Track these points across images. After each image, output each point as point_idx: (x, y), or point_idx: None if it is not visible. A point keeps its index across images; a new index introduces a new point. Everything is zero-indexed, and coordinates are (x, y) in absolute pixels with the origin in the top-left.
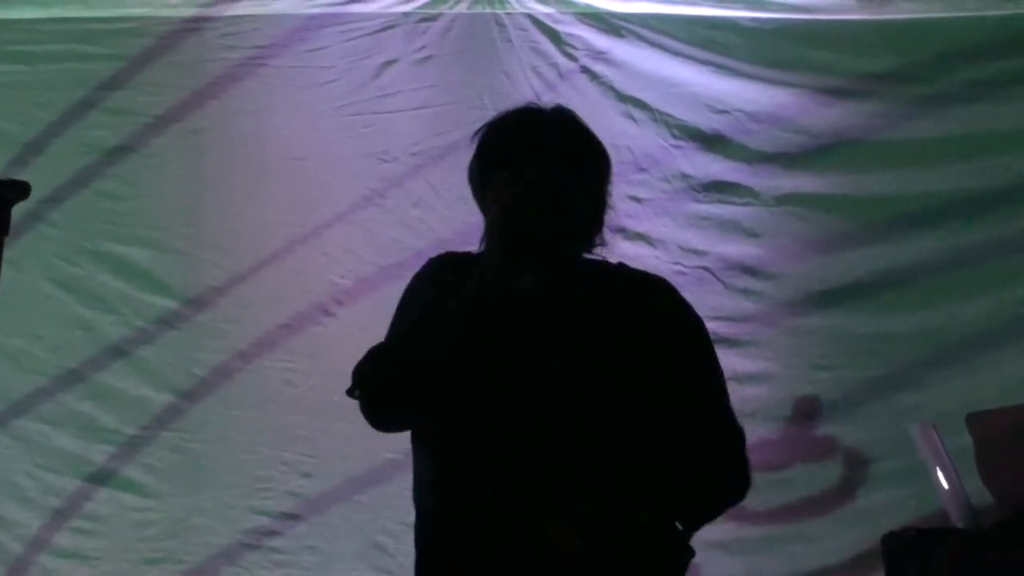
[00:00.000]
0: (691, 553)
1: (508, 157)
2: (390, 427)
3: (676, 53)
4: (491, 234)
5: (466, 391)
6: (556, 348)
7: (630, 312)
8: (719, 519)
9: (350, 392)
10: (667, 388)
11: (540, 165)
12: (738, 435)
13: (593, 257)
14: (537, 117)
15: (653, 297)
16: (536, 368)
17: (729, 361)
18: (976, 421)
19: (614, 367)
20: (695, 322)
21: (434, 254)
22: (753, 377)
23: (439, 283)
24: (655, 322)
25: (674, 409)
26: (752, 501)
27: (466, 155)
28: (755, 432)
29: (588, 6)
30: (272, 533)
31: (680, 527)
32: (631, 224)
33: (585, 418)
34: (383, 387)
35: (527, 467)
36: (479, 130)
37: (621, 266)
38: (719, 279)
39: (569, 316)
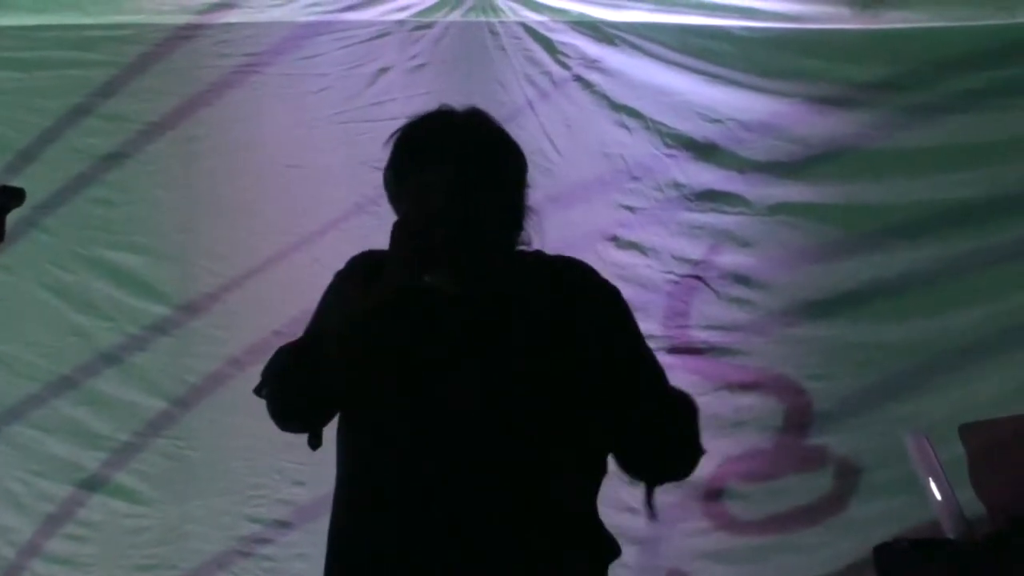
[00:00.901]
0: (616, 550)
1: (415, 163)
2: (291, 427)
3: (669, 62)
4: (393, 239)
5: (366, 392)
6: (459, 348)
7: (549, 301)
8: (705, 526)
9: (256, 391)
10: (602, 371)
11: (443, 171)
12: (682, 403)
13: (521, 252)
14: (446, 122)
15: (571, 280)
16: (443, 368)
17: (721, 370)
18: (969, 431)
19: (530, 363)
20: (615, 297)
21: None
22: (745, 386)
23: (351, 282)
24: (577, 306)
25: (614, 392)
26: (743, 510)
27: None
28: (746, 441)
29: (581, 15)
30: (264, 540)
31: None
32: (623, 233)
33: (495, 420)
34: (285, 386)
35: (442, 468)
36: (391, 135)
37: (539, 254)
38: (711, 288)
39: (485, 315)
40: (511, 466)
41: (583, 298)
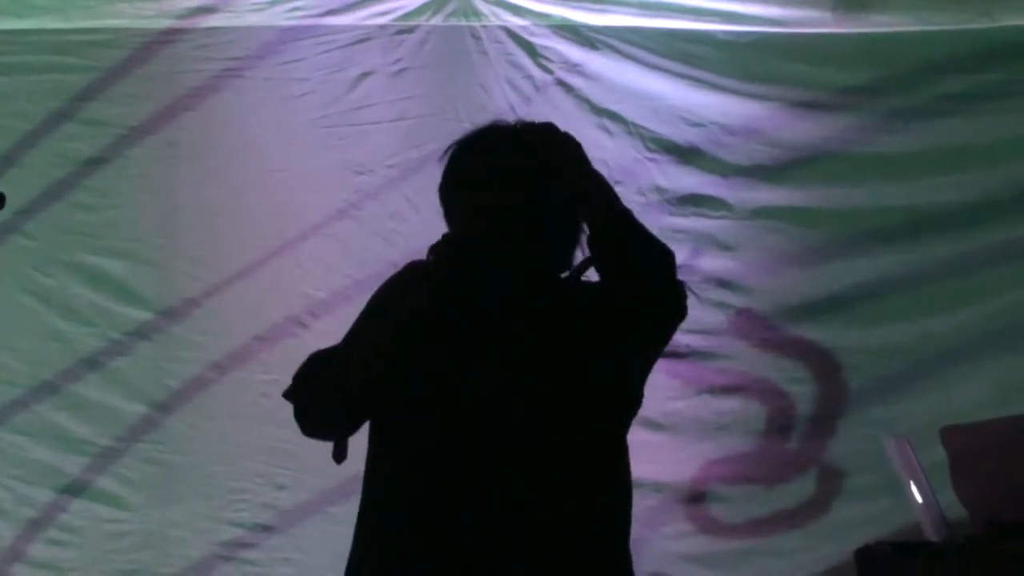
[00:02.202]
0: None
1: (455, 184)
2: (316, 434)
3: (651, 66)
4: (438, 257)
5: (400, 401)
6: (493, 360)
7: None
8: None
9: (286, 394)
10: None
11: (492, 192)
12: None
13: (559, 279)
14: (492, 142)
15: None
16: (473, 380)
17: (703, 374)
18: (950, 434)
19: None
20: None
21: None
22: (727, 390)
23: (394, 293)
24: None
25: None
26: (726, 514)
27: (442, 167)
28: (729, 445)
29: (563, 19)
30: (247, 545)
31: None
32: None
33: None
34: (312, 394)
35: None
36: (449, 147)
37: (580, 282)
38: (694, 292)
39: (517, 333)
40: (535, 478)
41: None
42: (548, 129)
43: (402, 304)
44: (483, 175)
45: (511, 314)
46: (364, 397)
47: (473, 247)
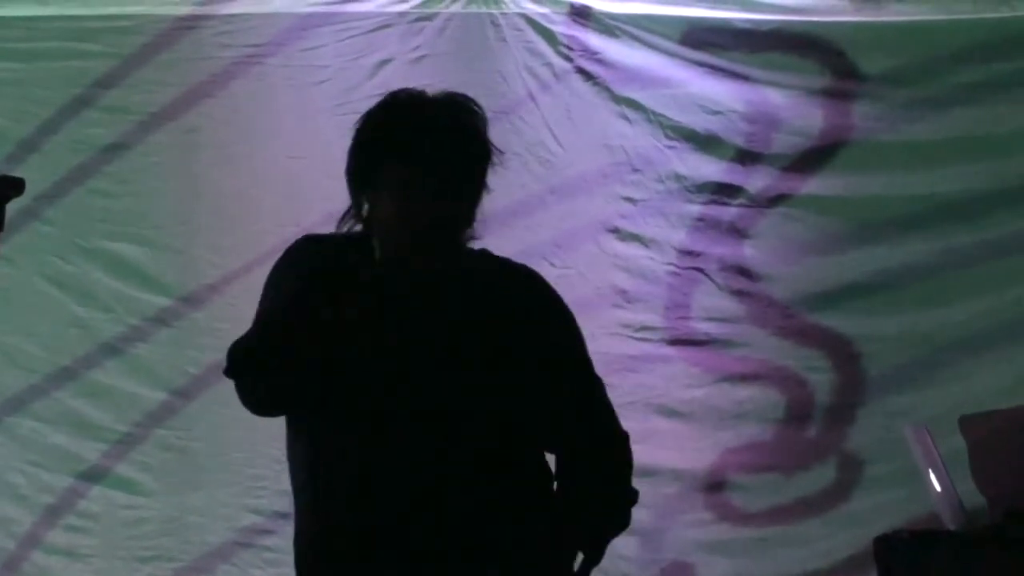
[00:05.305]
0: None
1: (396, 157)
2: (268, 412)
3: (671, 54)
4: (388, 224)
5: (351, 379)
6: (440, 342)
7: (508, 307)
8: (707, 517)
9: (226, 372)
10: (550, 389)
11: (442, 156)
12: (622, 445)
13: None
14: (427, 115)
15: (528, 292)
16: (427, 360)
17: (722, 362)
18: (969, 423)
19: (497, 363)
20: (567, 320)
21: None
22: (746, 378)
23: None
24: (533, 320)
25: (559, 414)
26: (745, 502)
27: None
28: (748, 433)
29: (584, 6)
30: (265, 532)
31: None
32: (625, 224)
33: (470, 414)
34: (248, 387)
35: (413, 458)
36: (365, 118)
37: (485, 253)
38: (712, 280)
39: (453, 309)
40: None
41: (534, 312)
42: (476, 110)
43: (331, 296)
44: (428, 152)
45: (446, 299)
46: (314, 377)
47: (427, 238)
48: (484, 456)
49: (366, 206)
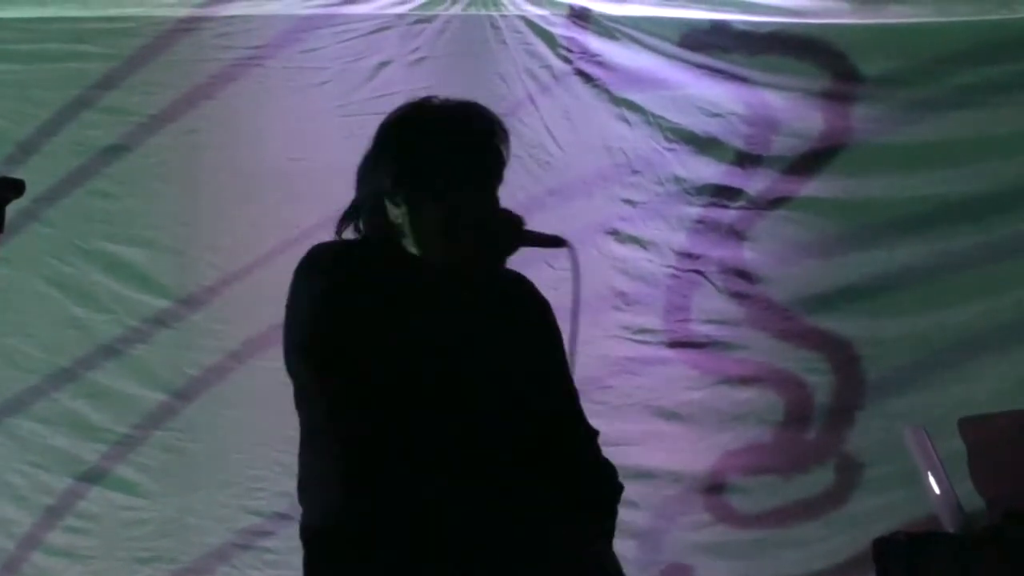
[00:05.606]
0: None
1: (464, 151)
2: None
3: (670, 56)
4: (444, 229)
5: (425, 388)
6: (502, 345)
7: (533, 311)
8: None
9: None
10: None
11: (495, 163)
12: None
13: None
14: (476, 117)
15: (533, 296)
16: (488, 368)
17: (721, 364)
18: (968, 426)
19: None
20: (557, 327)
21: None
22: (745, 380)
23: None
24: (546, 323)
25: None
26: (744, 504)
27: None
28: (747, 436)
29: (583, 9)
30: (265, 533)
31: None
32: (624, 227)
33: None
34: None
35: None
36: (405, 121)
37: None
38: (712, 282)
39: (499, 313)
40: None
41: (547, 315)
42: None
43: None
44: (486, 159)
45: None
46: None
47: (492, 242)
48: (533, 458)
49: (398, 210)
